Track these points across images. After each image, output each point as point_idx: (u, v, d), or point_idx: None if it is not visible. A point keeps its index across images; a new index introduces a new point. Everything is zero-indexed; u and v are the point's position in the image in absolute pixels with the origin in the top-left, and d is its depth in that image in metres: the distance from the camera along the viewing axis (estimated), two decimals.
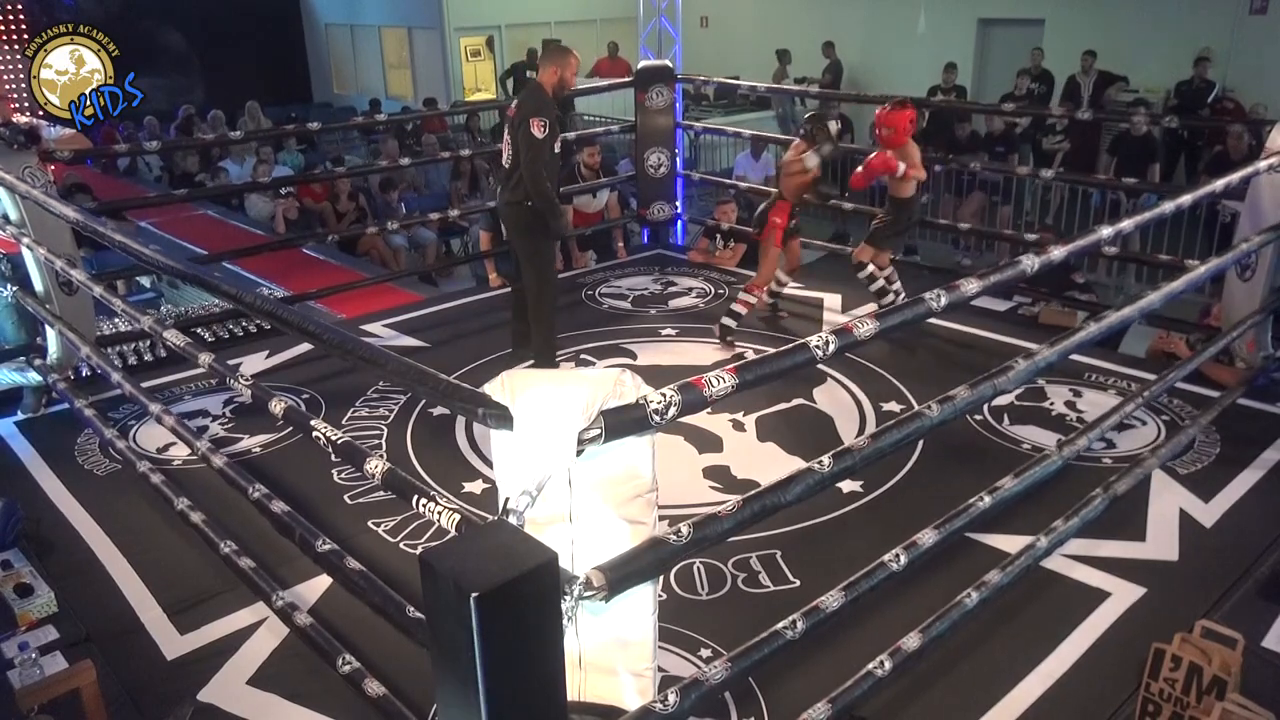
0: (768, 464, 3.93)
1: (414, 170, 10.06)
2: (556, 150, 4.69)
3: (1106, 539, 3.30)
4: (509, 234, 4.86)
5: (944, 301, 2.22)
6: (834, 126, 5.22)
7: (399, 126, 11.59)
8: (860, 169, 5.16)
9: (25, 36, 13.25)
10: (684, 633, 2.94)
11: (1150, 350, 5.15)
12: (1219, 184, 3.48)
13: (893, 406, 4.42)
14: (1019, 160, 9.63)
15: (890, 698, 2.61)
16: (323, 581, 3.17)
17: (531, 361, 4.74)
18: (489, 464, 3.91)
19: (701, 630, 2.96)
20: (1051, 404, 4.40)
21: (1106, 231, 2.74)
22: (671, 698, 1.97)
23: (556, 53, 4.65)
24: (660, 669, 2.19)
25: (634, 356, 5.08)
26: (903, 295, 5.19)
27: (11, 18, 13.72)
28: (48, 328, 4.48)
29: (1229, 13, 10.85)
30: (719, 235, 6.71)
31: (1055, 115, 8.56)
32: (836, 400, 4.52)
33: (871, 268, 5.31)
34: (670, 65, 6.64)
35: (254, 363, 5.05)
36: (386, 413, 4.49)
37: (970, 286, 2.28)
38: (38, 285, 4.45)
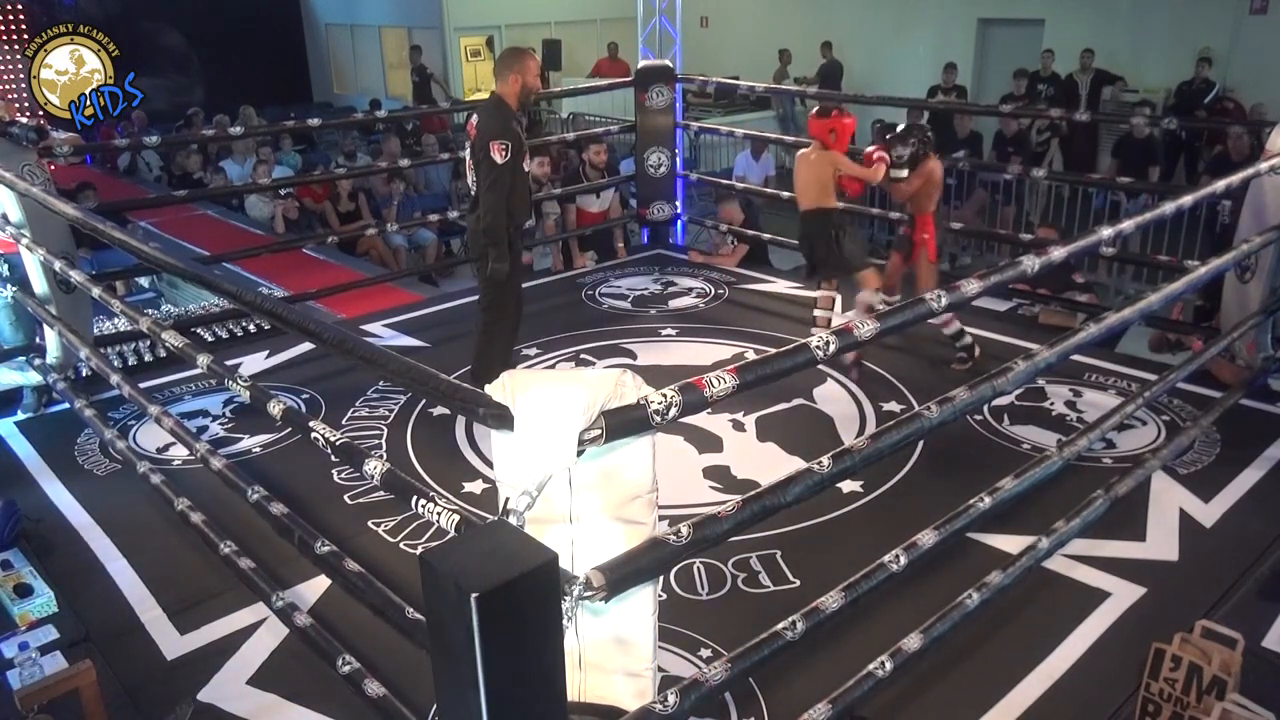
0: (768, 464, 3.93)
1: (414, 170, 10.04)
2: (527, 167, 4.29)
3: (1107, 539, 3.30)
4: (473, 258, 4.45)
5: (944, 302, 2.23)
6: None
7: (399, 125, 11.58)
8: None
9: (25, 36, 13.26)
10: (684, 633, 2.94)
11: (1153, 342, 5.13)
12: (1219, 185, 3.47)
13: (893, 407, 4.41)
14: (1021, 160, 9.64)
15: (891, 698, 2.61)
16: (323, 581, 3.17)
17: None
18: (489, 464, 3.91)
19: (701, 630, 2.96)
20: (1052, 404, 4.39)
21: (1107, 232, 2.74)
22: (671, 698, 1.97)
23: (513, 57, 4.17)
24: (660, 669, 2.19)
25: (634, 356, 5.08)
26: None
27: (11, 18, 13.73)
28: (46, 328, 4.48)
29: (1229, 13, 10.84)
30: (721, 233, 6.73)
31: (1055, 117, 8.56)
32: (836, 400, 4.52)
33: (877, 296, 4.78)
34: (670, 65, 6.63)
35: (254, 362, 5.05)
36: (386, 413, 4.49)
37: (971, 287, 2.28)
38: (36, 285, 4.43)
